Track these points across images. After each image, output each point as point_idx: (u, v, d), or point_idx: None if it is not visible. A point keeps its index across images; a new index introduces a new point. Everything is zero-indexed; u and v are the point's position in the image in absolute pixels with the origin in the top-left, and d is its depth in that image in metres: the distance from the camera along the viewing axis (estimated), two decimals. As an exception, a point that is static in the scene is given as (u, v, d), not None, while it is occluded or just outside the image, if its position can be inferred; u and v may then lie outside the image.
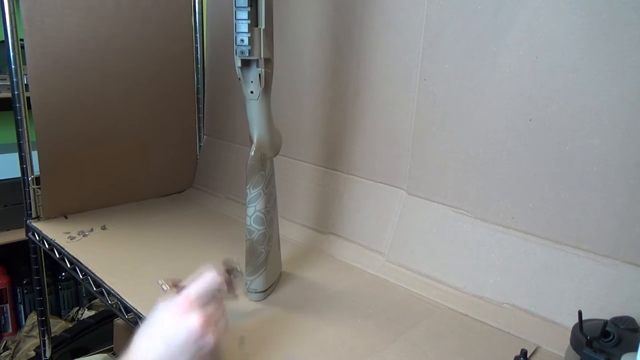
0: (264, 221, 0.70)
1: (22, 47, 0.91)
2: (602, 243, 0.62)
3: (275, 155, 0.73)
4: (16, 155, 1.03)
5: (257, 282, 0.72)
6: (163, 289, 0.54)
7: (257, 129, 0.69)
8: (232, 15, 0.62)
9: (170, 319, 0.49)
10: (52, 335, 1.40)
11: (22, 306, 1.71)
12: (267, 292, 0.74)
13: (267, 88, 0.68)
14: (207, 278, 0.52)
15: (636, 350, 0.42)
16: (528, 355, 0.57)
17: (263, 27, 0.62)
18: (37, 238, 1.00)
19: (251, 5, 0.61)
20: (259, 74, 0.65)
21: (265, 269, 0.72)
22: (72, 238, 0.95)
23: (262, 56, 0.63)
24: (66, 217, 1.05)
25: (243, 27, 0.61)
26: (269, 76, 0.67)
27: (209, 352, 0.49)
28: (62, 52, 0.93)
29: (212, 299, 0.52)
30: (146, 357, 0.48)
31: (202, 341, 0.49)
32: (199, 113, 1.27)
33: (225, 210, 1.12)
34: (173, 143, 1.20)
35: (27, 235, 1.05)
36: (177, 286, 0.53)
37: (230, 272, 0.57)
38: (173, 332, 0.48)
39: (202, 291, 0.51)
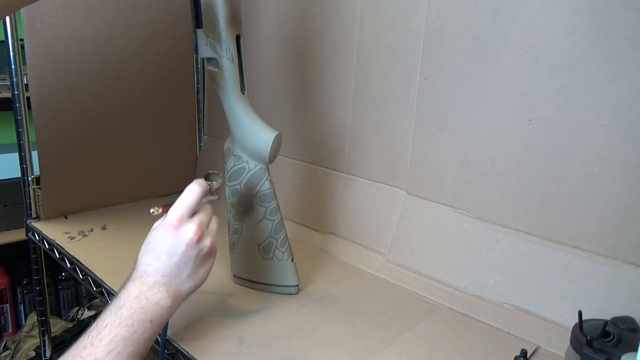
0: (229, 210, 0.75)
1: (22, 47, 0.90)
2: (602, 243, 0.62)
3: (254, 158, 0.72)
4: (16, 155, 1.03)
5: (230, 262, 0.78)
6: (154, 214, 0.58)
7: (229, 125, 0.72)
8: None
9: (167, 235, 0.55)
10: (52, 335, 1.40)
11: (22, 306, 1.71)
12: (240, 279, 0.78)
13: (221, 88, 0.69)
14: (188, 191, 0.57)
15: (636, 350, 0.42)
16: (528, 355, 0.57)
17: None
18: (37, 238, 1.00)
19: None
20: (209, 73, 0.69)
21: (233, 253, 0.77)
22: (72, 238, 0.95)
23: (203, 55, 0.68)
24: (66, 217, 1.05)
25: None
26: (216, 75, 0.68)
27: (207, 253, 0.57)
28: (62, 52, 0.93)
29: (199, 206, 0.58)
30: (155, 271, 0.54)
31: (200, 245, 0.56)
32: (199, 113, 1.27)
33: (224, 210, 1.12)
34: (173, 143, 1.20)
35: (27, 235, 1.05)
36: (165, 207, 0.58)
37: (207, 178, 0.62)
38: (172, 246, 0.54)
39: (187, 203, 0.56)
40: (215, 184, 0.64)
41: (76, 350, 0.47)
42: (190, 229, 0.55)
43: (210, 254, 0.58)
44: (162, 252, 0.54)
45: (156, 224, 0.57)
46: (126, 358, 0.48)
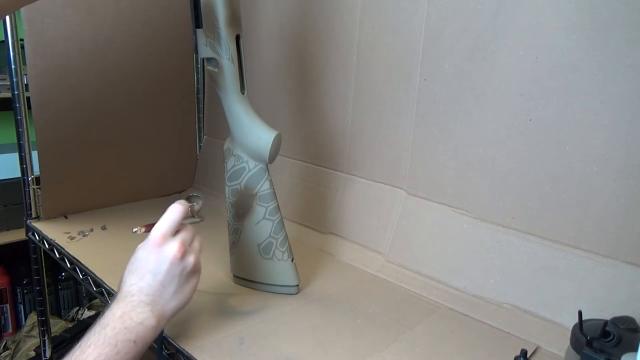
0: (229, 210, 0.75)
1: (22, 47, 0.90)
2: (602, 243, 0.62)
3: (254, 158, 0.72)
4: (16, 155, 1.03)
5: (230, 262, 0.78)
6: (137, 233, 0.59)
7: (229, 125, 0.72)
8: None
9: (150, 254, 0.55)
10: (52, 335, 1.40)
11: (22, 306, 1.71)
12: (239, 279, 0.78)
13: (221, 88, 0.69)
14: (170, 210, 0.57)
15: (636, 350, 0.42)
16: (528, 355, 0.57)
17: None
18: (37, 238, 1.00)
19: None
20: (209, 73, 0.69)
21: (233, 253, 0.77)
22: (72, 238, 0.95)
23: (203, 55, 0.68)
24: (66, 217, 1.05)
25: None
26: (216, 75, 0.68)
27: (191, 270, 0.57)
28: (62, 52, 0.93)
29: (181, 227, 0.58)
30: (140, 291, 0.53)
31: (183, 262, 0.56)
32: (199, 113, 1.27)
33: (224, 210, 1.12)
34: (173, 143, 1.20)
35: (27, 235, 1.05)
36: (148, 227, 0.58)
37: (189, 200, 0.63)
38: (156, 264, 0.55)
39: (169, 223, 0.57)
40: (196, 206, 0.64)
41: None
42: (173, 247, 0.55)
43: (195, 271, 0.58)
44: (146, 271, 0.54)
45: (140, 245, 0.57)
46: None
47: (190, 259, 0.57)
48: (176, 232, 0.57)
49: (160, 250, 0.55)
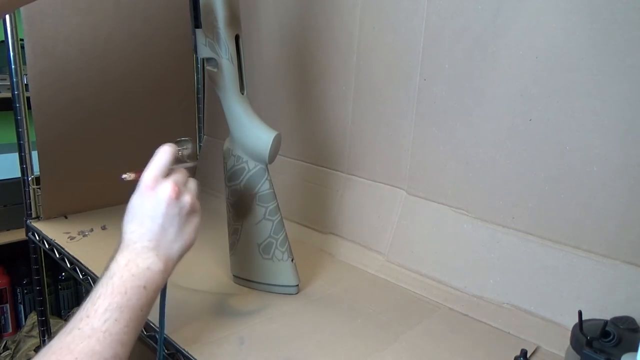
0: (229, 210, 0.76)
1: (22, 47, 0.91)
2: (602, 243, 0.62)
3: (253, 158, 0.72)
4: (16, 155, 1.03)
5: (230, 262, 0.78)
6: (127, 179, 0.57)
7: (228, 125, 0.72)
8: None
9: (145, 199, 0.54)
10: (52, 335, 1.40)
11: (22, 306, 1.71)
12: (239, 279, 0.78)
13: (220, 88, 0.69)
14: (159, 153, 0.57)
15: (636, 350, 0.42)
16: (528, 355, 0.57)
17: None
18: (37, 238, 1.00)
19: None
20: (209, 73, 0.69)
21: (233, 253, 0.77)
22: (72, 238, 0.95)
23: (202, 55, 0.68)
24: (66, 217, 1.05)
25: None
26: (215, 75, 0.68)
27: (190, 209, 0.55)
28: (62, 52, 0.93)
29: (172, 170, 0.57)
30: (141, 237, 0.52)
31: (180, 203, 0.54)
32: (199, 113, 1.27)
33: (224, 210, 1.12)
34: (173, 143, 1.20)
35: (27, 235, 1.05)
36: (138, 173, 0.57)
37: (179, 145, 0.62)
38: (153, 208, 0.53)
39: (160, 165, 0.56)
40: (186, 151, 0.63)
41: (73, 323, 0.47)
42: (167, 188, 0.54)
43: (193, 211, 0.56)
44: (144, 217, 0.53)
45: (133, 193, 0.56)
46: (125, 324, 0.47)
47: (187, 198, 0.55)
48: (167, 175, 0.56)
49: (155, 193, 0.53)
